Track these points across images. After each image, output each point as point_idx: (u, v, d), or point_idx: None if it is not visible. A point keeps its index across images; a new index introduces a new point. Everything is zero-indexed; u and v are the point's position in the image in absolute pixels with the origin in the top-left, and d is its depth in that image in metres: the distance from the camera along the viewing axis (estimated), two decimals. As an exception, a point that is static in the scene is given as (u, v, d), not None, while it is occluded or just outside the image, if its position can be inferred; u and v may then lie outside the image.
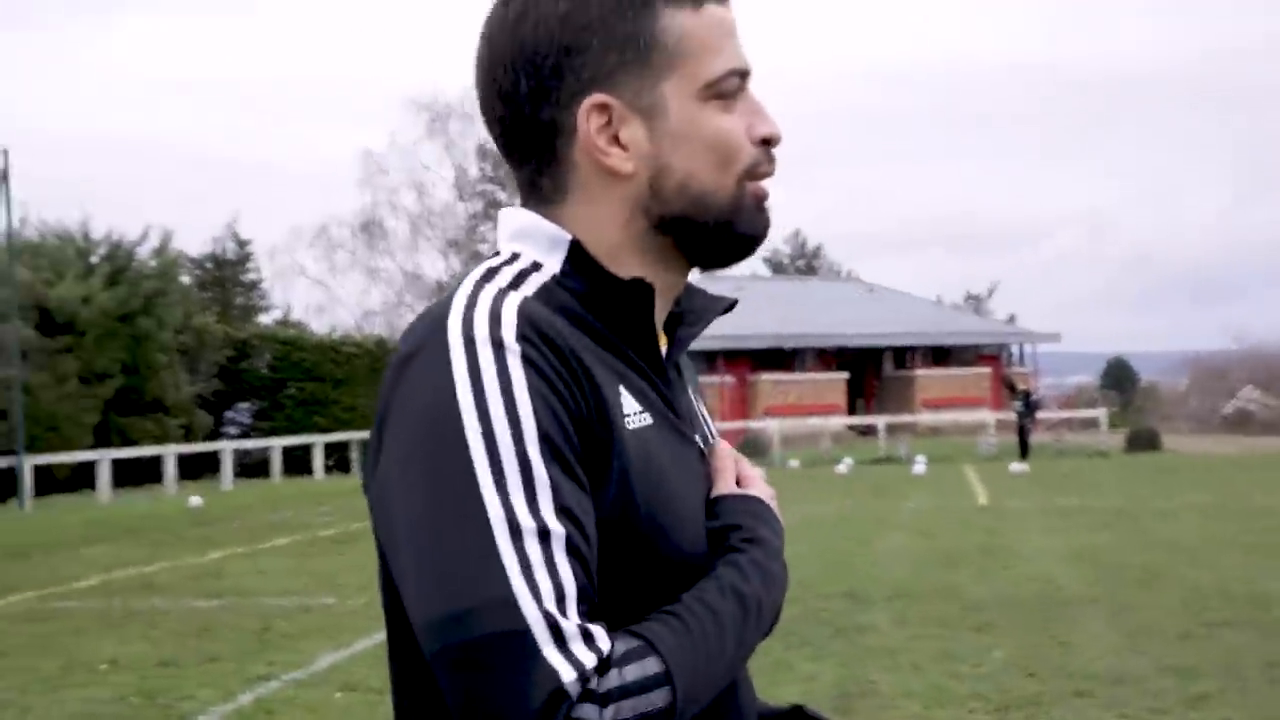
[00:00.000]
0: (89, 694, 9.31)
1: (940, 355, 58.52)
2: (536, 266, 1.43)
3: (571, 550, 1.25)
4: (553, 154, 1.44)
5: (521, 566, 1.22)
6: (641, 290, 1.41)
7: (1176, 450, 39.19)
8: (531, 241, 1.45)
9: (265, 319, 49.57)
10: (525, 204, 1.50)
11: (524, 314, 1.31)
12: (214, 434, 40.41)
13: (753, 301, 57.47)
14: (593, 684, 1.21)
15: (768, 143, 1.47)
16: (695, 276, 1.57)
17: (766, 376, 52.36)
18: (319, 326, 49.67)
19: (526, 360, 1.28)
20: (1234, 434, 50.21)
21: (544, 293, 1.39)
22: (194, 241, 49.71)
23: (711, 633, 1.32)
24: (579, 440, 1.29)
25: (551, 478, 1.25)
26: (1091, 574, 13.67)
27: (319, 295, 56.84)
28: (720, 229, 1.46)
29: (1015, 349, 61.74)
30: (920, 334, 58.47)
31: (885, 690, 8.57)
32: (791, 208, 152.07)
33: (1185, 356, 77.25)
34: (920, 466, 33.06)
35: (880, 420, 45.90)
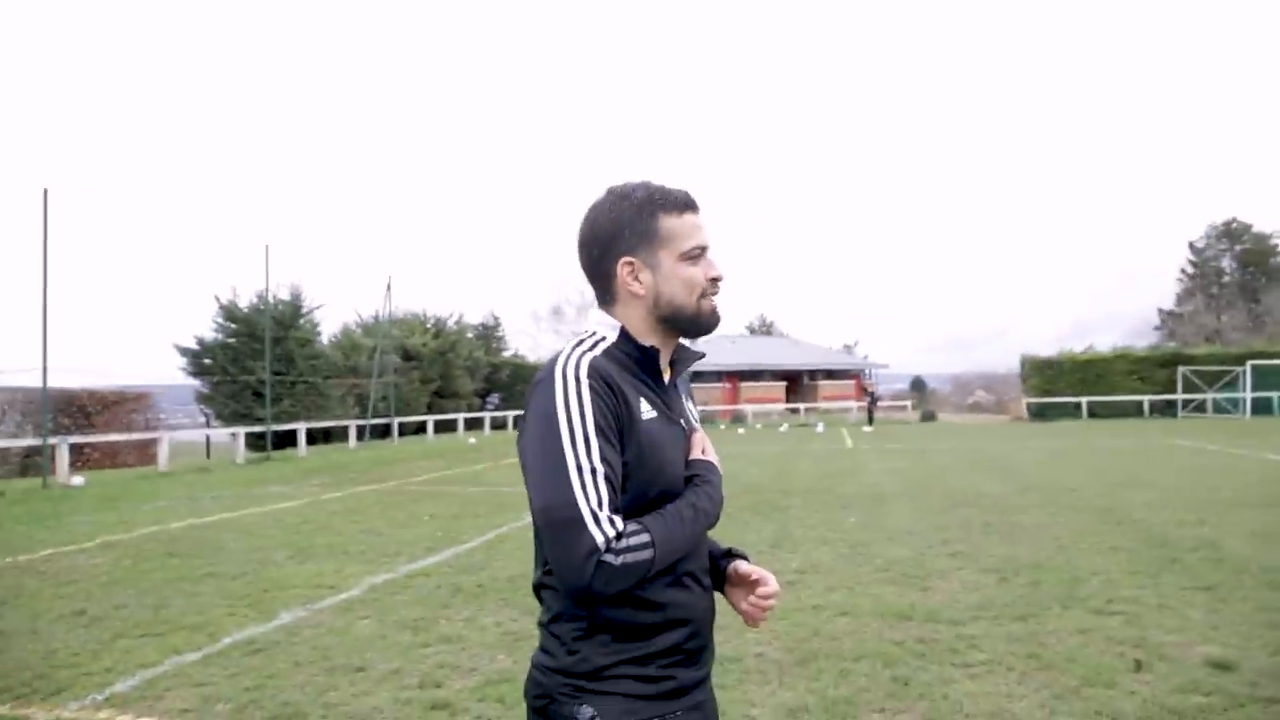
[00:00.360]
0: (420, 530, 9.42)
1: (831, 374, 57.79)
2: (603, 338, 1.48)
3: (608, 479, 1.32)
4: (610, 283, 1.50)
5: (580, 485, 1.30)
6: (653, 350, 1.47)
7: (945, 422, 38.53)
8: (602, 326, 1.50)
9: (506, 354, 49.80)
10: (599, 306, 1.53)
11: (591, 365, 1.39)
12: (481, 408, 40.65)
13: (740, 348, 57.59)
14: (612, 545, 1.29)
15: (715, 280, 1.50)
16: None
17: (747, 384, 51.96)
18: (531, 358, 49.94)
19: (592, 389, 1.36)
20: (973, 413, 49.33)
21: (607, 351, 1.45)
22: (475, 315, 50.34)
23: (677, 523, 1.37)
24: (616, 428, 1.36)
25: (600, 444, 1.33)
26: (898, 481, 13.45)
27: (530, 343, 57.92)
28: (688, 322, 1.50)
29: (868, 371, 60.83)
30: (821, 363, 57.87)
31: (797, 537, 8.50)
32: (757, 299, 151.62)
33: (951, 375, 76.13)
34: (820, 428, 32.71)
35: (801, 405, 45.48)
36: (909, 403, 52.14)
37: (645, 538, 1.32)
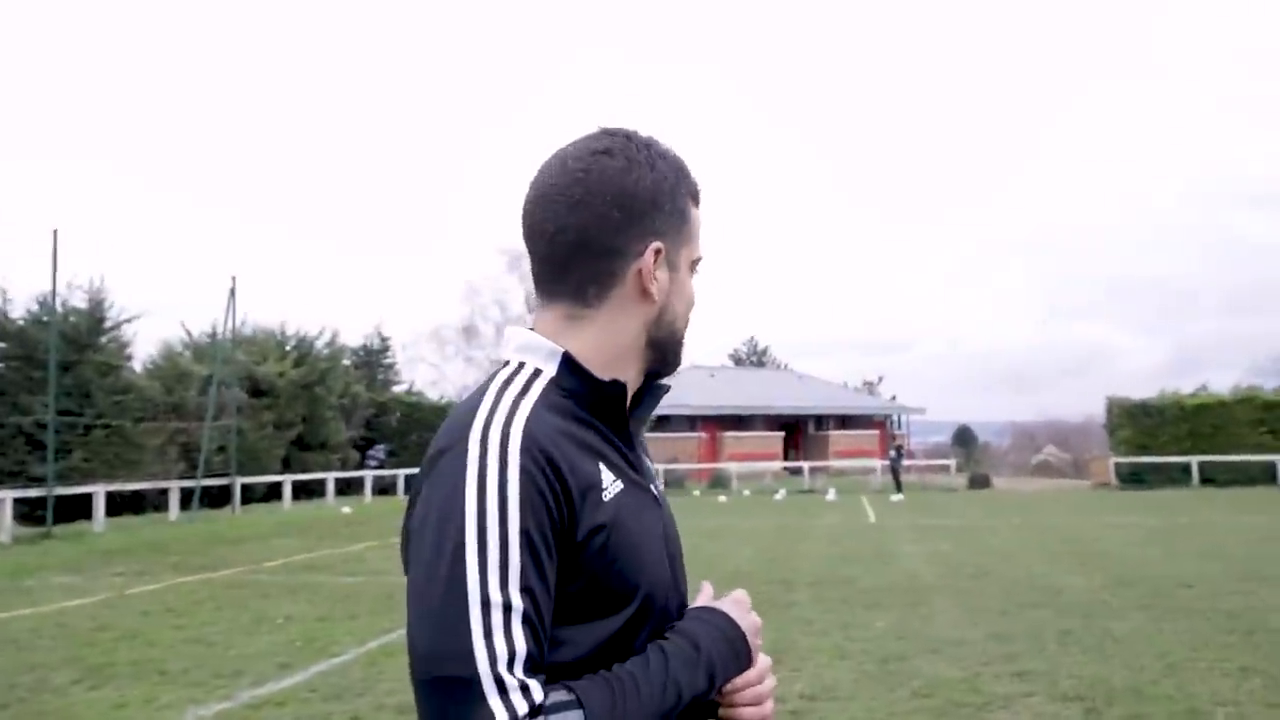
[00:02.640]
0: (271, 639, 9.25)
1: (845, 420, 58.37)
2: (537, 374, 1.32)
3: (527, 622, 1.15)
4: (610, 271, 1.34)
5: (485, 632, 1.13)
6: (619, 389, 1.33)
7: (1003, 488, 38.99)
8: (533, 354, 1.34)
9: (397, 389, 49.51)
10: (548, 307, 1.38)
11: (528, 433, 1.22)
12: (360, 465, 40.29)
13: (721, 383, 57.90)
14: None
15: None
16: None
17: (729, 434, 52.19)
18: (433, 395, 49.72)
19: (525, 473, 1.18)
20: (1041, 476, 50.02)
21: (544, 396, 1.29)
22: (353, 336, 49.90)
23: (630, 699, 1.19)
24: (555, 533, 1.19)
25: (523, 564, 1.16)
26: (942, 570, 13.53)
27: (433, 374, 57.43)
28: (674, 356, 1.44)
29: (896, 418, 61.50)
30: (831, 407, 58.44)
31: (802, 647, 8.48)
32: (746, 319, 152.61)
33: (1010, 425, 77.20)
34: (832, 496, 32.93)
35: (805, 464, 45.67)
36: (953, 462, 52.63)
37: (574, 717, 1.16)
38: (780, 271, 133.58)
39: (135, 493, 27.45)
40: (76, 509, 23.86)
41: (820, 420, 57.84)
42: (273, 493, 31.82)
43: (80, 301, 28.43)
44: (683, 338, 1.46)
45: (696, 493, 38.09)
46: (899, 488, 35.28)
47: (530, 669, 1.15)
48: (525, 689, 1.13)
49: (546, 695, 1.15)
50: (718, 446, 51.10)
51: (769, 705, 1.38)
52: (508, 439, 1.21)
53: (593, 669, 1.21)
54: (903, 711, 6.50)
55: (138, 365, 31.63)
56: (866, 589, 11.90)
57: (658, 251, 1.35)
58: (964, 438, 77.59)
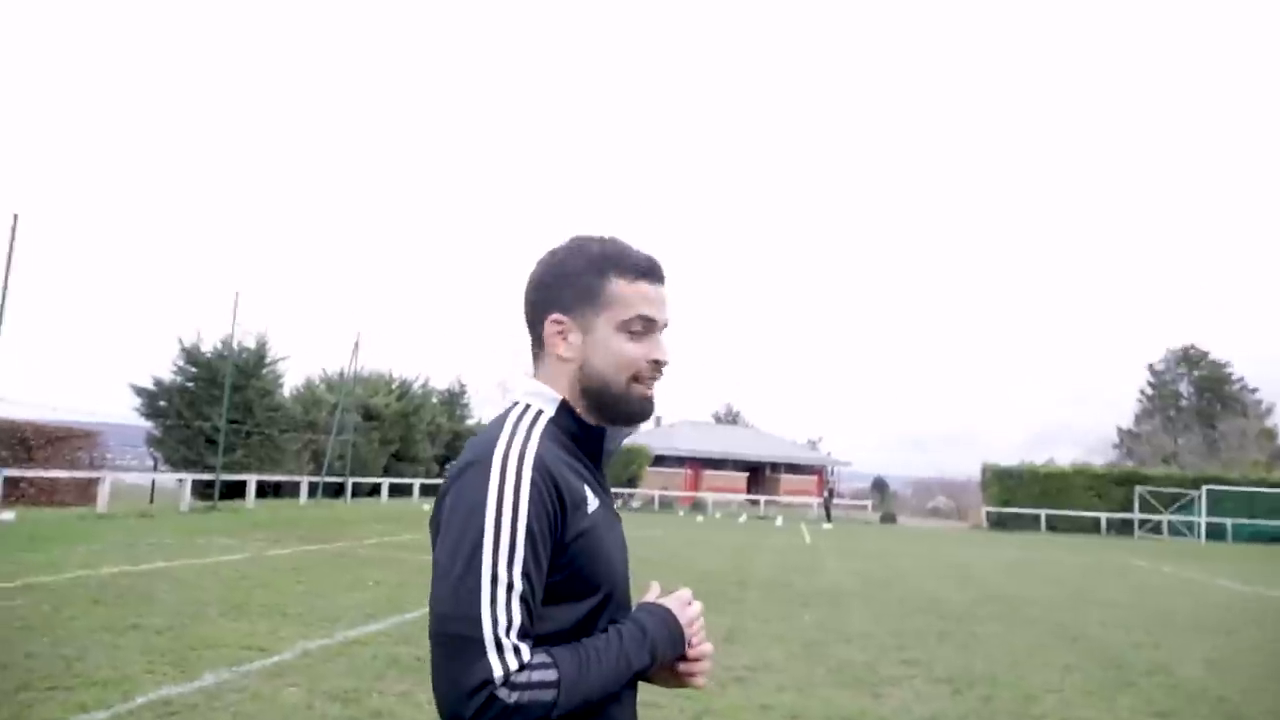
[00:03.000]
0: (363, 595, 9.12)
1: (793, 468, 57.85)
2: (540, 413, 1.30)
3: (523, 600, 1.14)
4: (536, 338, 1.35)
5: (490, 602, 1.13)
6: (598, 430, 1.32)
7: (905, 525, 38.49)
8: (538, 398, 1.32)
9: (470, 422, 49.21)
10: (533, 370, 1.37)
11: (538, 457, 1.21)
12: (439, 475, 40.04)
13: (704, 434, 57.62)
14: (512, 678, 1.11)
15: (658, 364, 1.33)
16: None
17: (709, 472, 51.76)
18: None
19: (534, 486, 1.18)
20: (933, 518, 49.42)
21: (546, 430, 1.27)
22: (440, 380, 49.55)
23: (594, 664, 1.18)
24: (551, 536, 1.18)
25: (525, 556, 1.15)
26: (858, 581, 13.32)
27: (497, 412, 56.93)
28: (612, 404, 1.32)
29: (830, 468, 60.95)
30: (783, 456, 57.96)
31: (750, 631, 8.33)
32: (725, 388, 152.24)
33: (913, 479, 76.52)
34: (780, 522, 32.60)
35: (762, 497, 45.28)
36: (869, 502, 52.09)
37: (551, 675, 1.14)
38: (753, 351, 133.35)
39: (277, 483, 27.36)
40: (235, 491, 23.75)
41: (774, 465, 57.19)
42: (375, 490, 31.59)
43: (251, 342, 28.54)
44: (622, 390, 1.32)
45: (681, 514, 37.64)
46: (829, 519, 35.06)
47: (521, 636, 1.13)
48: (516, 650, 1.12)
49: (531, 656, 1.14)
50: (699, 480, 50.62)
51: (701, 658, 1.36)
52: (523, 459, 1.21)
53: (565, 642, 1.20)
54: (820, 683, 6.36)
55: (286, 391, 31.61)
56: (800, 591, 11.70)
57: (558, 322, 1.32)
58: (879, 485, 76.71)
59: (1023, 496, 37.24)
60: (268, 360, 29.21)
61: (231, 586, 9.15)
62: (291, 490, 27.61)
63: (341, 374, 33.09)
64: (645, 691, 1.27)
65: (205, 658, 5.98)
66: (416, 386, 40.00)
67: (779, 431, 69.25)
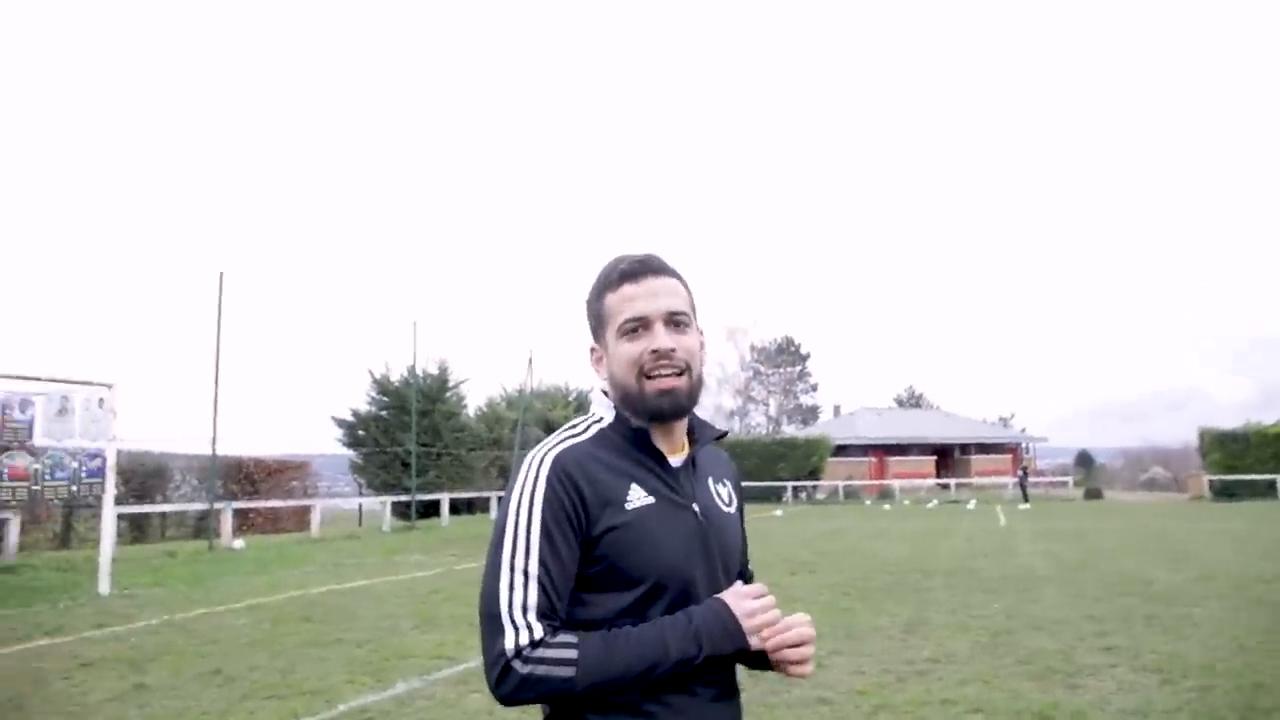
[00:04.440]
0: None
1: (984, 448, 55.07)
2: (599, 420, 1.43)
3: (540, 583, 1.26)
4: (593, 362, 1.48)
5: (509, 585, 1.27)
6: (644, 431, 1.39)
7: (1114, 499, 35.72)
8: (601, 407, 1.45)
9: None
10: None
11: (558, 459, 1.33)
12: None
13: (887, 420, 55.92)
14: (524, 651, 1.23)
15: (657, 354, 1.36)
16: (707, 415, 1.52)
17: (894, 459, 50.20)
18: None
19: (549, 485, 1.30)
20: (1148, 491, 45.56)
21: (600, 435, 1.39)
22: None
23: (622, 649, 1.25)
24: (575, 528, 1.29)
25: (541, 547, 1.27)
26: (1052, 563, 12.46)
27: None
28: (635, 405, 1.38)
29: (1026, 445, 57.55)
30: (973, 437, 55.31)
31: (933, 623, 8.00)
32: (906, 370, 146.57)
33: (1121, 449, 70.90)
34: (972, 505, 31.17)
35: (952, 481, 43.39)
36: (1070, 478, 48.68)
37: (569, 654, 1.24)
38: (935, 330, 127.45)
39: (469, 499, 28.82)
40: (431, 510, 25.30)
41: (964, 447, 54.73)
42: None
43: (433, 369, 30.23)
44: (636, 390, 1.37)
45: (868, 503, 36.76)
46: (1026, 498, 33.16)
47: (540, 616, 1.25)
48: (530, 627, 1.24)
49: (554, 635, 1.25)
50: (884, 468, 49.17)
51: (801, 645, 1.37)
52: (543, 463, 1.33)
53: (613, 628, 1.29)
54: (1007, 675, 6.01)
55: (470, 411, 33.24)
56: (988, 578, 11.09)
57: (593, 351, 1.46)
58: (1084, 459, 71.61)
59: (1250, 462, 33.63)
60: (450, 384, 30.89)
61: (423, 600, 9.74)
62: (482, 506, 29.05)
63: (520, 390, 34.53)
64: (817, 687, 1.27)
65: (399, 668, 6.42)
66: (591, 396, 41.09)
67: (967, 411, 66.24)
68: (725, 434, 1.54)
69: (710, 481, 1.49)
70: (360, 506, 26.36)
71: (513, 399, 36.07)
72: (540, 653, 1.23)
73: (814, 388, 71.52)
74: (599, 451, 1.36)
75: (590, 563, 1.30)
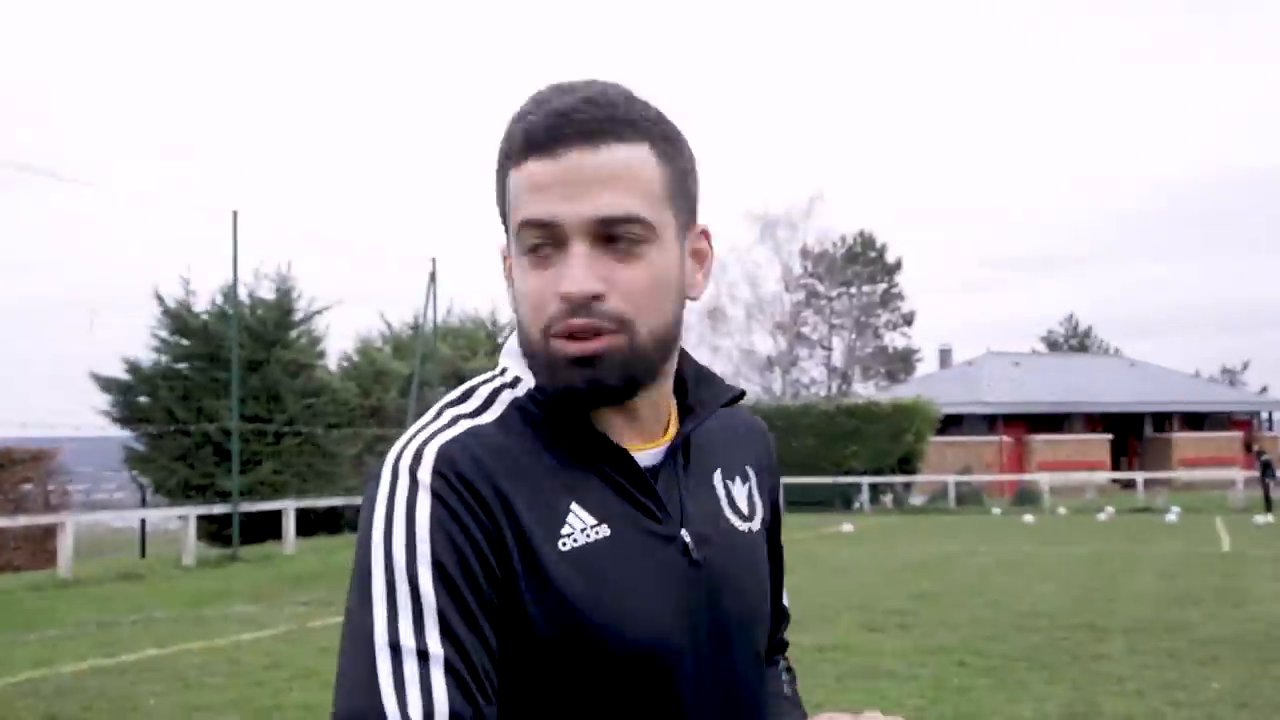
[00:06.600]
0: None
1: (1195, 420, 55.78)
2: (516, 382, 1.35)
3: (450, 670, 1.15)
4: None
5: (395, 683, 1.14)
6: (583, 417, 1.32)
7: None
8: (516, 362, 1.37)
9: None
10: None
11: (444, 451, 1.23)
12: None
13: (1028, 374, 56.38)
14: None
15: (566, 299, 1.25)
16: (712, 364, 1.44)
17: (1039, 437, 50.73)
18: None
19: (437, 498, 1.20)
20: None
21: (512, 413, 1.31)
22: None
23: None
24: (482, 569, 1.20)
25: (439, 604, 1.17)
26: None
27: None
28: (540, 374, 1.31)
29: (1264, 417, 58.37)
30: (1177, 402, 55.96)
31: (1108, 712, 8.12)
32: (1065, 295, 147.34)
33: None
34: (1173, 516, 31.57)
35: (1139, 475, 43.92)
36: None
37: None
38: (1106, 242, 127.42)
39: (332, 509, 28.94)
40: (266, 527, 25.34)
41: (1160, 418, 55.52)
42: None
43: (267, 292, 30.15)
44: (537, 347, 1.30)
45: (997, 511, 37.18)
46: (1269, 506, 33.57)
47: None
48: None
49: None
50: (1025, 452, 49.79)
51: None
52: (419, 460, 1.25)
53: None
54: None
55: (331, 363, 33.41)
56: (1204, 639, 11.25)
57: (503, 255, 1.40)
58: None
59: None
60: (297, 316, 30.79)
61: (256, 683, 9.79)
62: (354, 519, 29.12)
63: (416, 326, 34.45)
64: None
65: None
66: (503, 339, 41.07)
67: (1166, 360, 66.82)
68: (742, 395, 1.49)
69: (716, 480, 1.46)
70: (143, 523, 26.33)
71: (405, 340, 36.03)
72: None
73: (908, 320, 71.97)
74: (512, 442, 1.29)
75: (502, 643, 1.23)
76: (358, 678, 1.17)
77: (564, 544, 1.25)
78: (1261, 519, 30.51)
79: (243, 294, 27.83)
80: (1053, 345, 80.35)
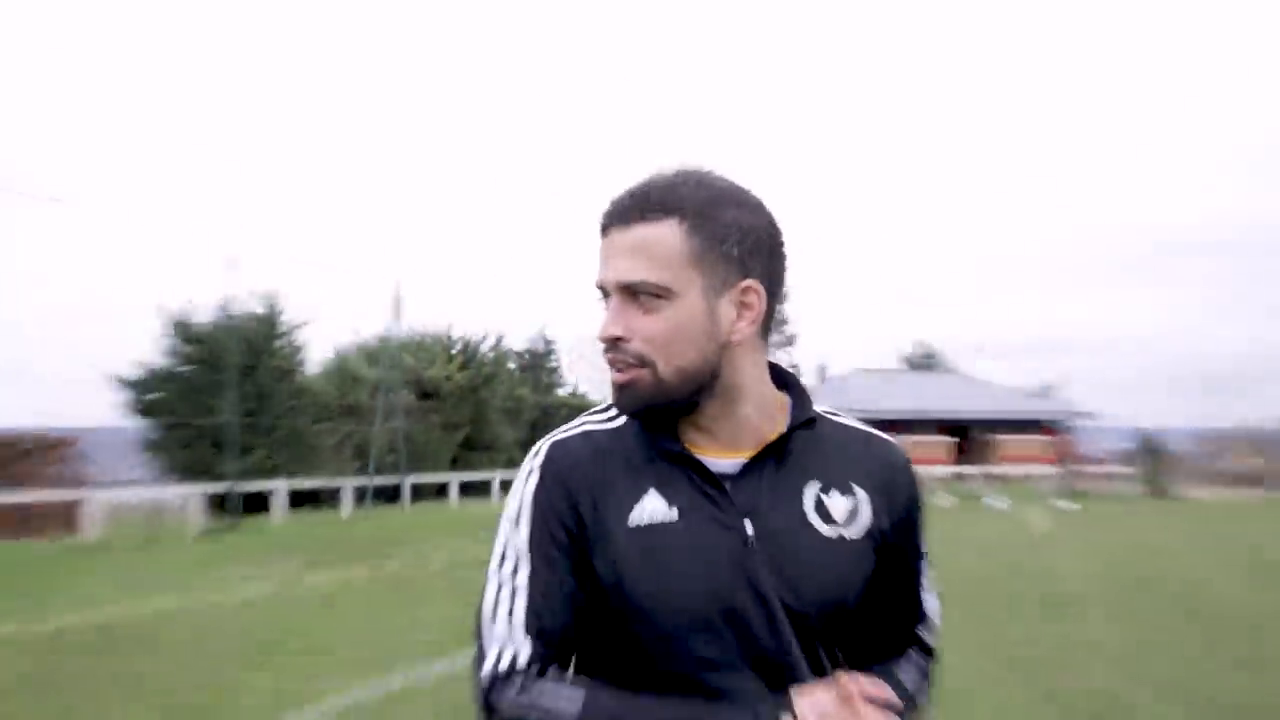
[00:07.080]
0: (426, 634, 9.53)
1: (1014, 424, 56.66)
2: None
3: (530, 600, 1.43)
4: None
5: (495, 604, 1.46)
6: (637, 424, 1.51)
7: (1190, 498, 37.06)
8: None
9: (561, 391, 50.19)
10: None
11: (550, 452, 1.50)
12: (526, 464, 40.81)
13: (890, 386, 57.08)
14: (509, 676, 1.41)
15: (600, 340, 1.43)
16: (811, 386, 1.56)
17: (898, 439, 51.08)
18: (596, 398, 49.99)
19: (539, 485, 1.47)
20: (1234, 487, 47.34)
21: (631, 421, 1.50)
22: (518, 339, 50.40)
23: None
24: (567, 539, 1.43)
25: (531, 562, 1.44)
26: (1093, 576, 13.08)
27: (598, 375, 57.86)
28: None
29: (1068, 422, 59.36)
30: (998, 410, 56.87)
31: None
32: (917, 322, 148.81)
33: (1199, 431, 73.35)
34: (995, 501, 32.08)
35: (976, 470, 44.69)
36: (1131, 470, 50.42)
37: (573, 705, 1.36)
38: (950, 263, 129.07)
39: (313, 490, 28.59)
40: (258, 504, 25.08)
41: (987, 423, 56.28)
42: (441, 490, 32.42)
43: (258, 306, 29.76)
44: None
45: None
46: (1068, 496, 34.15)
47: (532, 634, 1.42)
48: (516, 646, 1.42)
49: (556, 673, 1.42)
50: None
51: None
52: (538, 453, 1.53)
53: (615, 678, 1.42)
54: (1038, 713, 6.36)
55: (312, 368, 32.98)
56: (1013, 593, 11.57)
57: None
58: (1148, 444, 73.74)
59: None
60: (282, 329, 30.48)
61: (255, 628, 9.79)
62: (331, 498, 28.87)
63: (383, 339, 34.23)
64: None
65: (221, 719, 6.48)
66: (486, 349, 40.61)
67: (996, 377, 67.90)
68: (814, 420, 1.55)
69: (813, 489, 1.49)
70: (154, 500, 25.93)
71: (373, 350, 35.72)
72: (537, 691, 1.38)
73: (790, 340, 72.21)
74: (619, 445, 1.48)
75: (581, 585, 1.44)
76: (481, 594, 1.49)
77: (632, 521, 1.42)
78: (1061, 504, 31.19)
79: (237, 310, 27.63)
80: (911, 364, 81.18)
